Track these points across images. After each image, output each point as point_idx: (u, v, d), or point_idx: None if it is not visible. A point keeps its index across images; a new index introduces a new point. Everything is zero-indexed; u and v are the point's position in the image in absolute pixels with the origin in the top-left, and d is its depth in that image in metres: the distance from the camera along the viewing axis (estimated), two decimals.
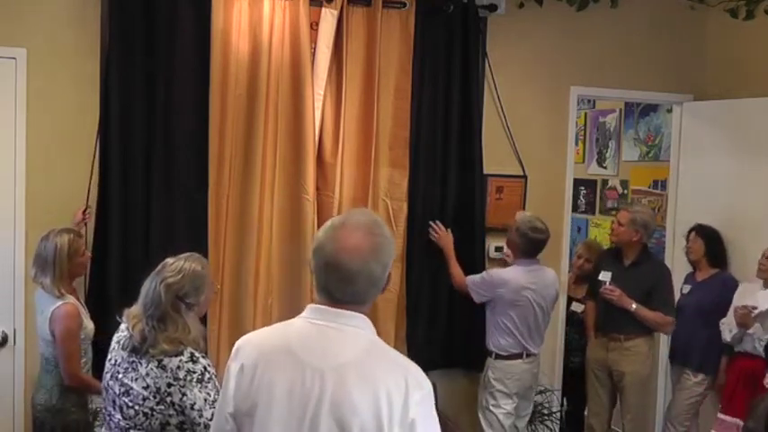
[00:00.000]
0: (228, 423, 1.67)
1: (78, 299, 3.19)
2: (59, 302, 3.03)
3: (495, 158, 4.14)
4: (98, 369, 2.82)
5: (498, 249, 4.15)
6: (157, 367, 2.33)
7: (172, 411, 2.32)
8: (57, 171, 3.52)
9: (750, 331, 3.83)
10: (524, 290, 3.73)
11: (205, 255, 3.33)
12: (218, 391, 2.25)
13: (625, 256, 4.14)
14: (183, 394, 2.30)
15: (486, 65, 4.09)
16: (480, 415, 3.86)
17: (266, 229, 3.71)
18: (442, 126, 4.00)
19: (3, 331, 3.52)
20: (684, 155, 4.63)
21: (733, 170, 4.27)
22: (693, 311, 4.13)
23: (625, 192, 6.02)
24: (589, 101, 6.10)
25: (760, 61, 4.22)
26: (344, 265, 1.61)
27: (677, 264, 4.49)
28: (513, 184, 4.21)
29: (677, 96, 4.59)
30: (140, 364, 2.36)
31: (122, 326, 2.47)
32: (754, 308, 3.72)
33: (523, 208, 4.15)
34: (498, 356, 3.80)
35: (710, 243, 4.22)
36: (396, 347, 1.81)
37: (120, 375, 2.40)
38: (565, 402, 4.73)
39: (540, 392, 4.22)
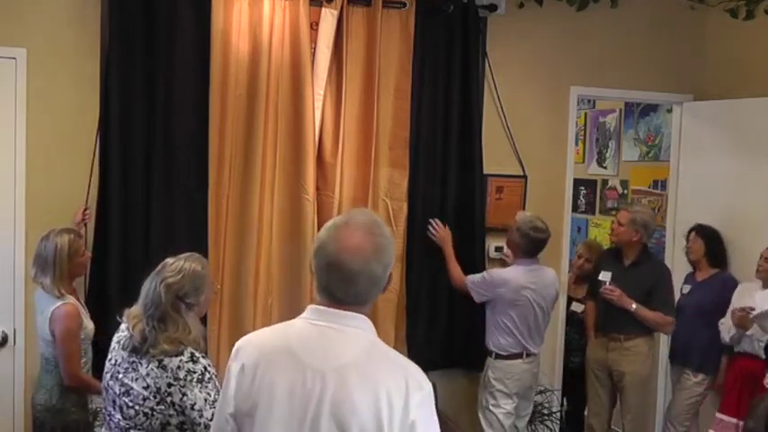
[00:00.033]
0: (229, 424, 1.66)
1: (78, 299, 3.19)
2: (59, 302, 3.03)
3: (495, 158, 4.14)
4: (98, 369, 2.82)
5: (498, 249, 4.16)
6: (158, 367, 2.33)
7: (172, 411, 2.32)
8: (57, 171, 3.52)
9: (748, 333, 3.83)
10: (524, 289, 3.73)
11: (205, 255, 3.33)
12: (218, 392, 2.25)
13: (625, 256, 4.14)
14: (184, 394, 2.30)
15: (486, 65, 4.09)
16: (480, 415, 3.86)
17: (266, 229, 3.71)
18: (442, 126, 4.00)
19: (3, 331, 3.52)
20: (684, 155, 4.63)
21: (733, 170, 4.27)
22: (693, 311, 4.13)
23: (625, 192, 6.02)
24: (589, 101, 6.10)
25: (760, 61, 4.22)
26: (346, 264, 1.61)
27: (677, 264, 4.49)
28: (513, 184, 4.21)
29: (677, 96, 4.59)
30: (141, 364, 2.35)
31: (122, 326, 2.47)
32: (752, 309, 3.72)
33: (523, 208, 4.15)
34: (498, 356, 3.80)
35: (710, 243, 4.22)
36: (396, 347, 1.81)
37: (121, 375, 2.40)
38: (565, 402, 4.73)
39: (540, 392, 4.22)
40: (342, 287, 1.63)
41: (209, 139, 3.58)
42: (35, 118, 3.48)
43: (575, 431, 4.74)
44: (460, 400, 4.11)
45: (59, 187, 3.51)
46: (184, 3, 3.53)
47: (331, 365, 1.59)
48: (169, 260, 2.49)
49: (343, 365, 1.59)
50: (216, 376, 2.36)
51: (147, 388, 2.33)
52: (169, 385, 2.31)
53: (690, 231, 4.30)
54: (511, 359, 3.79)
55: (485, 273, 3.85)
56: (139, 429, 2.35)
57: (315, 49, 3.74)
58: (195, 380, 2.31)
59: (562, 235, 4.36)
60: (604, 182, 6.26)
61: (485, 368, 3.86)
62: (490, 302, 3.80)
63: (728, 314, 3.93)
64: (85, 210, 3.49)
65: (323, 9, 3.73)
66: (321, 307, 1.66)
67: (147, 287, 2.43)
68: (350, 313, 1.65)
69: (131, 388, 2.36)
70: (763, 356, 3.73)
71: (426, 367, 1.73)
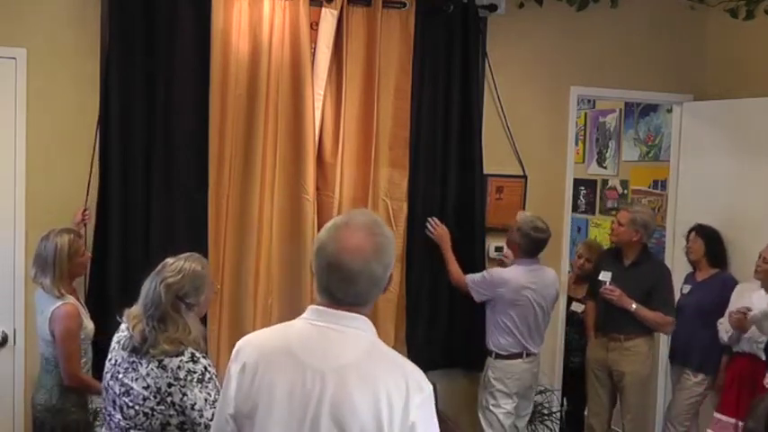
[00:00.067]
0: (229, 424, 1.66)
1: (78, 299, 3.19)
2: (59, 302, 3.03)
3: (495, 158, 4.14)
4: (98, 369, 2.82)
5: (498, 249, 4.16)
6: (158, 367, 2.33)
7: (172, 411, 2.32)
8: (57, 171, 3.52)
9: (746, 335, 3.82)
10: (524, 289, 3.74)
11: (205, 255, 3.33)
12: (218, 392, 2.25)
13: (625, 256, 4.14)
14: (184, 394, 2.30)
15: (486, 65, 4.09)
16: (480, 415, 3.86)
17: (266, 229, 3.71)
18: (442, 126, 4.00)
19: (3, 331, 3.52)
20: (684, 155, 4.63)
21: (733, 170, 4.27)
22: (693, 311, 4.13)
23: (625, 192, 6.02)
24: (589, 101, 6.10)
25: (760, 61, 4.22)
26: (346, 265, 1.61)
27: (677, 264, 4.49)
28: (513, 184, 4.21)
29: (677, 96, 4.59)
30: (141, 364, 2.35)
31: (122, 326, 2.47)
32: (749, 310, 3.72)
33: (523, 208, 4.15)
34: (498, 356, 3.80)
35: (710, 243, 4.22)
36: (396, 347, 1.81)
37: (121, 375, 2.39)
38: (565, 402, 4.73)
39: (540, 392, 4.22)
40: (342, 287, 1.63)
41: (209, 139, 3.58)
42: (35, 118, 3.48)
43: (575, 431, 4.74)
44: (460, 400, 4.11)
45: (59, 187, 3.51)
46: (184, 3, 3.53)
47: (331, 366, 1.59)
48: (169, 260, 2.49)
49: (342, 366, 1.59)
50: (216, 376, 2.36)
51: (147, 388, 2.33)
52: (169, 385, 2.31)
53: (690, 231, 4.30)
54: (511, 359, 3.79)
55: (485, 272, 3.85)
56: (139, 429, 2.35)
57: (315, 49, 3.74)
58: (195, 380, 2.31)
59: (562, 235, 4.36)
60: (604, 182, 6.26)
61: (485, 368, 3.86)
62: (490, 302, 3.80)
63: (726, 315, 3.93)
64: (85, 210, 3.48)
65: (323, 9, 3.73)
66: (321, 307, 1.66)
67: (147, 287, 2.43)
68: (350, 314, 1.65)
69: (131, 388, 2.36)
70: (763, 357, 3.73)
71: (426, 367, 1.74)
